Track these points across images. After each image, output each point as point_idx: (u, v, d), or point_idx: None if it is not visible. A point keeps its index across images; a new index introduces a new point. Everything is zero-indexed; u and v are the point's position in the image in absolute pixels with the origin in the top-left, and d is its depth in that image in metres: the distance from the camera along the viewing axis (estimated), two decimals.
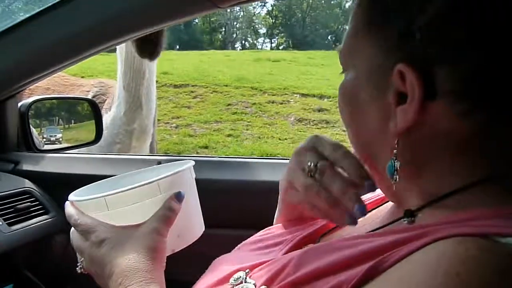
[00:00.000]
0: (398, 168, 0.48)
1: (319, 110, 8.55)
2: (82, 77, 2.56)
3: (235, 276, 0.54)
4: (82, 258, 0.63)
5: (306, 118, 8.15)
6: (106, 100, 2.24)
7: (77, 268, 0.65)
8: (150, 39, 1.69)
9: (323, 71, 12.37)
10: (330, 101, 9.00)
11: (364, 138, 0.54)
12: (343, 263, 0.43)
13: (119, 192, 0.62)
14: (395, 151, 0.48)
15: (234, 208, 1.20)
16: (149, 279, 0.55)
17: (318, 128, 7.81)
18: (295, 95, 9.33)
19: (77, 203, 0.66)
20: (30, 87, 1.37)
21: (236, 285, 0.52)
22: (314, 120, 8.09)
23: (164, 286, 0.57)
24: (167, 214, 0.61)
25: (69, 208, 0.66)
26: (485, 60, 0.43)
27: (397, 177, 0.48)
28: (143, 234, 0.59)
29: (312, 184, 0.57)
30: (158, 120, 7.47)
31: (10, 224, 1.07)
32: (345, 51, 0.55)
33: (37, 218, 1.17)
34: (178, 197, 0.63)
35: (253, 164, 1.24)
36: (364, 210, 0.53)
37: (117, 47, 1.98)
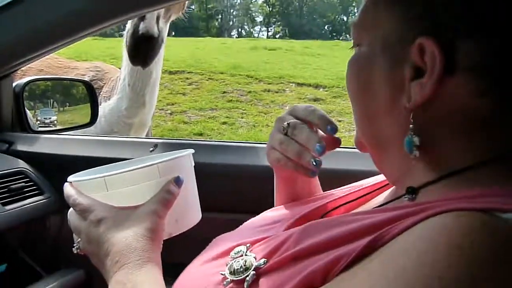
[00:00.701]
0: (418, 143, 0.47)
1: (315, 100, 8.54)
2: (77, 60, 2.52)
3: (236, 250, 0.55)
4: (79, 239, 0.63)
5: None
6: (103, 86, 2.23)
7: (73, 249, 0.65)
8: (141, 51, 1.71)
9: (319, 61, 12.34)
10: (326, 91, 8.99)
11: (371, 112, 0.53)
12: (343, 237, 0.43)
13: (118, 173, 0.62)
14: (411, 126, 0.47)
15: (232, 192, 1.19)
16: (146, 258, 0.55)
17: None
18: (291, 84, 9.30)
19: (76, 183, 0.65)
20: (23, 68, 1.35)
21: (237, 258, 0.52)
22: None
23: (161, 266, 0.57)
24: (166, 197, 0.61)
25: (68, 188, 0.65)
26: (509, 38, 0.43)
27: (417, 152, 0.47)
28: (142, 215, 0.59)
29: (284, 138, 0.65)
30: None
31: (4, 204, 1.07)
32: (360, 23, 0.54)
33: (32, 198, 1.17)
34: (177, 181, 0.63)
35: (250, 148, 1.24)
36: (324, 148, 0.59)
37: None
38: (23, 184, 1.16)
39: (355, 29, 0.55)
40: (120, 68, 2.15)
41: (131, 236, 0.56)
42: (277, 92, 8.82)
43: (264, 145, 1.19)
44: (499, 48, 0.43)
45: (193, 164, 0.72)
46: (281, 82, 9.32)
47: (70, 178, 0.67)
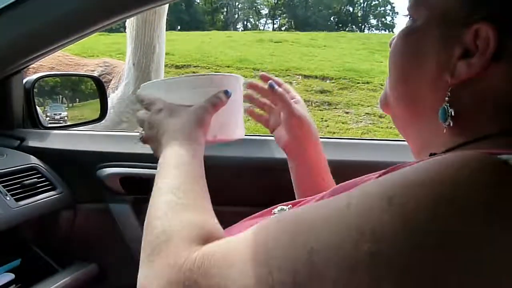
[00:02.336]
0: (452, 114, 0.51)
1: (321, 92, 8.53)
2: (84, 57, 2.53)
3: (278, 208, 0.63)
4: (142, 129, 0.78)
5: (308, 100, 8.12)
6: (111, 80, 2.23)
7: (138, 139, 0.81)
8: None
9: (325, 52, 12.30)
10: (333, 82, 8.97)
11: (412, 79, 0.57)
12: None
13: (177, 79, 0.81)
14: (447, 98, 0.52)
15: (244, 185, 1.20)
16: (194, 140, 0.68)
17: (320, 110, 7.80)
18: (297, 76, 9.30)
19: (144, 86, 0.83)
20: (34, 66, 1.36)
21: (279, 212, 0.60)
22: (316, 102, 8.08)
23: (203, 149, 0.69)
24: (215, 100, 0.75)
25: (139, 91, 0.83)
26: None
27: (451, 122, 0.52)
28: (193, 109, 0.73)
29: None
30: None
31: (17, 200, 1.08)
32: (419, 0, 0.57)
33: (44, 194, 1.17)
34: (226, 92, 0.76)
35: (259, 141, 1.24)
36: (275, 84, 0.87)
37: (127, 25, 1.97)
38: (35, 179, 1.17)
39: (411, 3, 0.58)
40: None
41: (184, 123, 0.70)
42: None
43: (272, 138, 1.20)
44: None
45: (242, 89, 0.85)
46: (288, 75, 9.31)
47: (142, 85, 0.84)
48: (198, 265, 0.45)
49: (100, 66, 2.22)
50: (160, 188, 0.61)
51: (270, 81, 0.90)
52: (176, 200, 0.58)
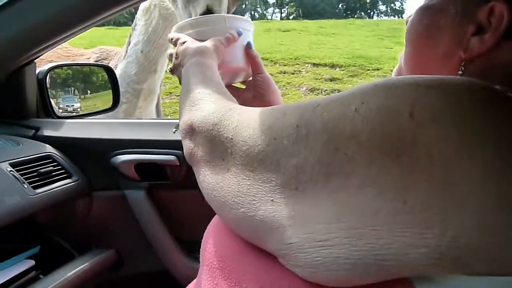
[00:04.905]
0: None
1: (331, 80, 8.47)
2: (86, 48, 2.53)
3: None
4: (171, 63, 0.91)
5: (318, 88, 8.08)
6: (109, 63, 2.21)
7: (168, 70, 0.93)
8: None
9: (334, 40, 12.21)
10: (342, 70, 8.90)
11: (427, 56, 0.60)
12: None
13: (198, 18, 0.96)
14: (460, 72, 0.54)
15: None
16: (209, 59, 0.81)
17: None
18: (307, 65, 9.23)
19: (174, 27, 0.97)
20: (36, 60, 1.36)
21: None
22: (326, 90, 8.03)
23: (215, 68, 0.80)
24: (228, 36, 0.90)
25: (171, 33, 0.96)
26: None
27: None
28: (210, 40, 0.88)
29: None
30: (170, 93, 7.47)
31: (34, 188, 1.09)
32: None
33: (60, 182, 1.19)
34: (238, 32, 0.92)
35: None
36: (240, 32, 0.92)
37: (141, 17, 1.95)
38: (51, 168, 1.19)
39: None
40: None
41: (203, 47, 0.84)
42: (293, 74, 8.76)
43: None
44: None
45: (252, 31, 0.98)
46: (297, 63, 9.25)
47: (174, 27, 0.97)
48: (232, 112, 0.56)
49: (96, 53, 2.21)
50: (188, 81, 0.73)
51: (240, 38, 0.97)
52: (206, 80, 0.71)
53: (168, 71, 0.94)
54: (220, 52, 0.86)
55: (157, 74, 2.01)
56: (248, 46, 0.96)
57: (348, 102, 0.43)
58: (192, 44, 0.86)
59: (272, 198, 0.45)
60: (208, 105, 0.61)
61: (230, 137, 0.52)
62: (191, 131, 0.62)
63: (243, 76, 1.00)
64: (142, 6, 1.92)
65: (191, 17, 1.25)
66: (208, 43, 0.86)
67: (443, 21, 0.57)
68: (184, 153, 0.64)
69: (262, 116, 0.51)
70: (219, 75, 0.78)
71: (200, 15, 1.20)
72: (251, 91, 0.99)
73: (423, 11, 0.61)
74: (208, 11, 1.20)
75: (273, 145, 0.46)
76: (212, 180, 0.54)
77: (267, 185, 0.46)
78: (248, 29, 0.97)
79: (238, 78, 1.01)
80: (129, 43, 2.01)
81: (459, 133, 0.36)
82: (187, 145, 0.62)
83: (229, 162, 0.51)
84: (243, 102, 1.00)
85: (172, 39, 0.94)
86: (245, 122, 0.52)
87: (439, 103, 0.37)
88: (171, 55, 0.92)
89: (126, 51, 2.02)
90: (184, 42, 0.88)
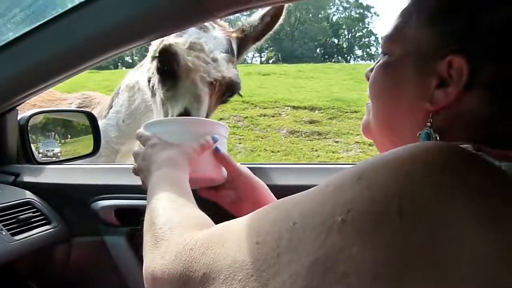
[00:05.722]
0: (437, 138, 0.56)
1: (311, 122, 8.61)
2: (69, 92, 2.53)
3: None
4: (136, 163, 0.89)
5: (298, 130, 8.20)
6: (92, 110, 2.20)
7: (131, 171, 0.93)
8: None
9: (313, 83, 12.47)
10: (321, 112, 9.07)
11: (392, 109, 0.63)
12: None
13: (170, 118, 1.02)
14: (428, 124, 0.57)
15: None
16: (180, 168, 0.79)
17: (310, 140, 7.86)
18: (287, 107, 9.39)
19: (144, 125, 0.96)
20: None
21: None
22: (306, 132, 8.15)
23: (187, 178, 0.79)
24: (203, 142, 0.88)
25: (139, 130, 0.95)
26: None
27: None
28: (183, 146, 0.85)
29: None
30: None
31: (13, 234, 1.09)
32: (391, 36, 0.63)
33: (39, 228, 1.18)
34: (213, 138, 0.90)
35: (260, 169, 1.26)
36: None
37: (124, 89, 1.88)
38: (30, 214, 1.18)
39: (386, 40, 0.64)
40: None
41: (172, 154, 0.82)
42: (273, 116, 8.89)
43: (269, 165, 1.22)
44: (509, 73, 0.53)
45: (227, 136, 0.97)
46: (277, 106, 9.40)
47: (144, 125, 0.96)
48: (198, 245, 0.51)
49: (78, 99, 2.21)
50: (154, 199, 0.69)
51: (215, 145, 0.93)
52: (171, 202, 0.67)
53: (131, 171, 0.92)
54: (192, 161, 0.84)
55: (136, 140, 1.99)
56: (216, 150, 0.92)
57: (332, 212, 0.42)
58: (162, 149, 0.83)
59: None
60: (171, 247, 0.56)
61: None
62: (154, 283, 0.56)
63: (217, 182, 0.97)
64: (127, 80, 1.87)
65: (167, 115, 1.22)
66: (179, 151, 0.83)
67: (404, 75, 0.60)
68: None
69: (235, 249, 0.47)
70: (189, 186, 0.76)
71: (177, 115, 1.16)
72: (234, 191, 0.98)
73: (383, 68, 0.64)
74: (186, 112, 1.15)
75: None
76: None
77: None
78: (223, 134, 0.94)
79: (212, 184, 0.97)
80: (111, 106, 1.97)
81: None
82: None
83: None
84: (231, 203, 0.99)
85: (141, 137, 0.91)
86: (213, 265, 0.48)
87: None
88: (136, 154, 0.89)
89: (109, 109, 1.98)
90: (154, 145, 0.85)
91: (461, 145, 0.46)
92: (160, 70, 1.25)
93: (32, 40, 1.12)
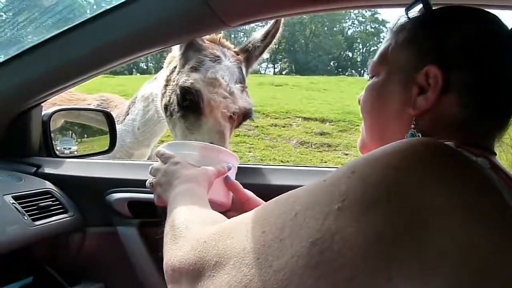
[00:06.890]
0: (420, 136, 0.66)
1: (321, 134, 8.64)
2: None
3: None
4: (154, 177, 0.95)
5: (308, 141, 8.23)
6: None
7: (146, 183, 0.97)
8: None
9: (325, 95, 12.51)
10: (332, 125, 9.10)
11: (382, 120, 0.74)
12: None
13: (193, 143, 1.04)
14: (412, 125, 0.67)
15: None
16: (202, 186, 0.86)
17: (319, 151, 7.89)
18: (298, 118, 9.43)
19: (164, 145, 1.02)
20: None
21: None
22: (316, 144, 8.18)
23: (206, 194, 0.86)
24: (220, 168, 0.96)
25: (160, 148, 1.00)
26: (485, 72, 0.66)
27: None
28: (205, 168, 0.93)
29: None
30: (163, 141, 7.56)
31: (33, 220, 1.17)
32: (378, 60, 0.76)
33: (57, 216, 1.27)
34: (228, 166, 0.99)
35: (264, 170, 1.33)
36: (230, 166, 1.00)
37: (140, 98, 1.98)
38: (50, 202, 1.27)
39: (373, 64, 0.77)
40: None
41: (195, 174, 0.89)
42: (283, 127, 8.94)
43: (266, 166, 1.30)
44: (480, 78, 0.65)
45: (236, 169, 1.05)
46: (288, 117, 9.45)
47: (164, 145, 1.02)
48: (211, 238, 0.58)
49: (97, 100, 2.30)
50: (177, 206, 0.76)
51: (226, 174, 1.01)
52: (191, 208, 0.75)
53: (147, 185, 0.97)
54: (210, 182, 0.91)
55: (150, 147, 2.10)
56: (227, 177, 1.00)
57: (329, 202, 0.48)
58: (184, 168, 0.91)
59: None
60: (188, 242, 0.63)
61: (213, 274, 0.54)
62: (173, 273, 0.63)
63: (224, 208, 1.03)
64: (143, 91, 1.98)
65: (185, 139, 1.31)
66: (201, 172, 0.91)
67: (391, 89, 0.72)
68: None
69: (243, 239, 0.54)
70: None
71: None
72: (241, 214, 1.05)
73: (372, 87, 0.76)
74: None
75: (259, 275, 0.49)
76: None
77: None
78: (235, 165, 1.03)
79: (220, 209, 1.01)
80: (127, 112, 2.07)
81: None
82: None
83: None
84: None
85: (162, 154, 0.97)
86: (224, 254, 0.54)
87: None
88: (156, 170, 0.95)
89: (126, 115, 2.08)
90: (177, 163, 0.92)
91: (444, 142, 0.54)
92: (182, 105, 1.32)
93: (57, 44, 1.22)
